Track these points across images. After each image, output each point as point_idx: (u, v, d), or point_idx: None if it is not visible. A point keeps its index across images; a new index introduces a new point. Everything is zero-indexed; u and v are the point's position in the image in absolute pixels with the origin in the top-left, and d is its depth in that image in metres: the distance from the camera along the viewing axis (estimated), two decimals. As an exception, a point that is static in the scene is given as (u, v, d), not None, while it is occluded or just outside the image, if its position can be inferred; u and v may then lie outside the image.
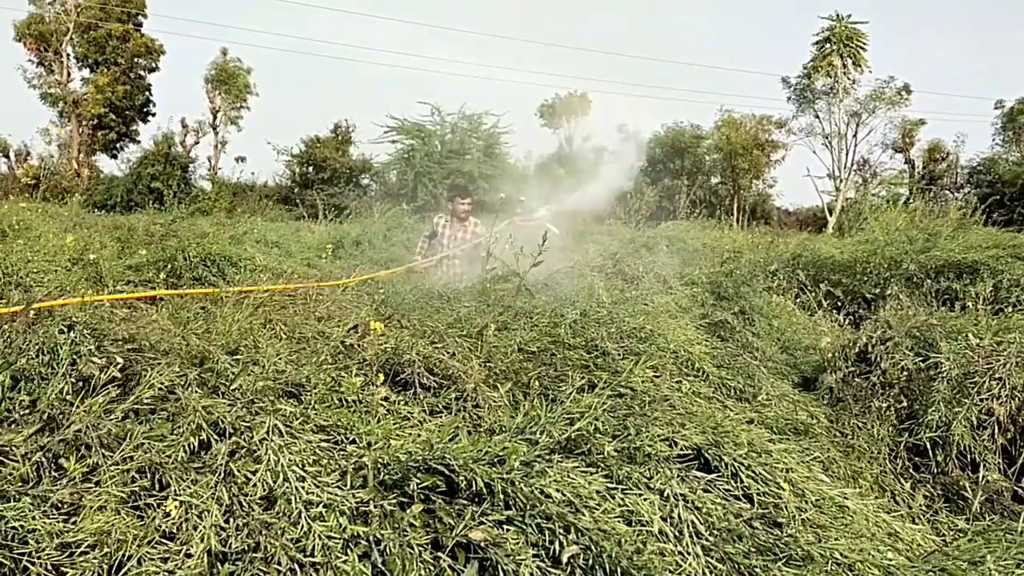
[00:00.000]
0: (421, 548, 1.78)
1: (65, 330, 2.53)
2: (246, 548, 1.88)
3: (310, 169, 28.99)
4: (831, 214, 28.19)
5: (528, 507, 1.81)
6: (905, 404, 3.51)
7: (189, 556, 1.88)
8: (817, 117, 30.48)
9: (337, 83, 60.87)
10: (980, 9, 65.65)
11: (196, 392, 2.36)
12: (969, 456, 3.25)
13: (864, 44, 28.94)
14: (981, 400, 3.29)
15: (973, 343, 3.68)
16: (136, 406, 2.37)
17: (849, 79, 29.05)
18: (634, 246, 8.89)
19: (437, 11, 69.60)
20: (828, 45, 28.98)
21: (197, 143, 30.24)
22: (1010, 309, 5.96)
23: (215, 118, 30.70)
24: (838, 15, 29.19)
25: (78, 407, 2.28)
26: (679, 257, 8.39)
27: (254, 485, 1.99)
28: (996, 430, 3.26)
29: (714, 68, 71.94)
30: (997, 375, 3.34)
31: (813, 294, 6.73)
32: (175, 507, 1.81)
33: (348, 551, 1.75)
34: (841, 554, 1.71)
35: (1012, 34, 65.95)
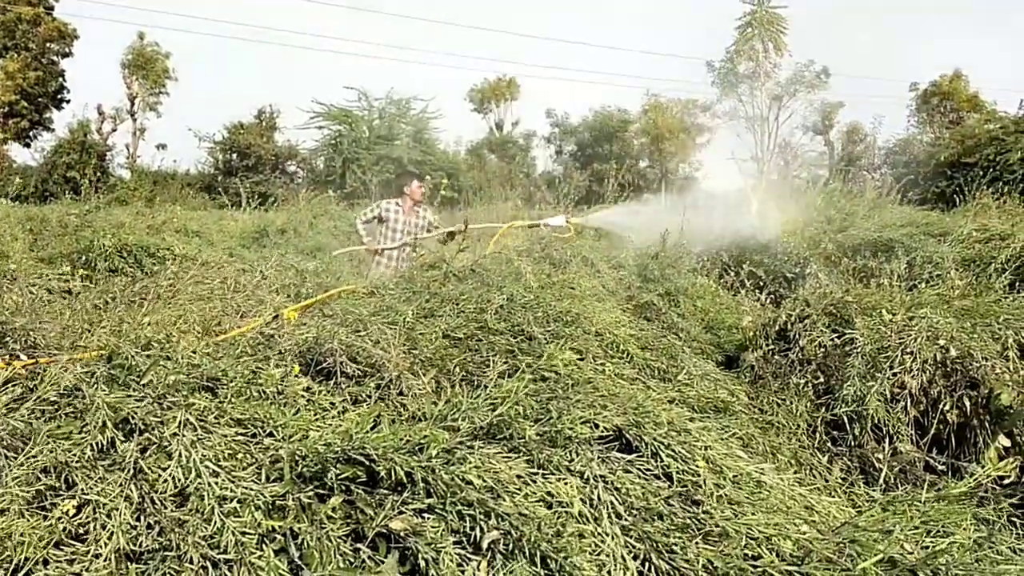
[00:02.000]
0: (340, 540, 1.75)
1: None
2: (157, 547, 1.82)
3: (234, 156, 28.31)
4: (754, 195, 28.79)
5: (449, 494, 1.80)
6: (822, 380, 3.61)
7: (98, 556, 1.82)
8: (741, 101, 31.11)
9: (260, 68, 59.52)
10: (894, -5, 67.78)
11: (104, 388, 2.28)
12: (884, 429, 3.36)
13: (784, 28, 29.62)
14: (894, 374, 3.39)
15: (886, 319, 3.80)
16: (42, 405, 2.28)
17: (770, 63, 29.70)
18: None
19: (358, -7, 68.49)
20: (750, 29, 29.55)
21: (114, 130, 29.22)
22: (923, 285, 6.19)
23: (133, 104, 29.69)
24: (759, 0, 29.78)
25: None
26: (607, 240, 8.47)
27: (165, 482, 1.92)
28: (908, 403, 3.37)
29: (641, 53, 72.66)
30: (909, 349, 3.46)
31: (736, 274, 6.87)
32: (73, 506, 1.74)
33: (264, 546, 1.71)
34: (756, 529, 1.75)
35: (925, 17, 68.29)
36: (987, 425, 3.34)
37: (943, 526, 2.01)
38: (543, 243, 6.20)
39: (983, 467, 3.20)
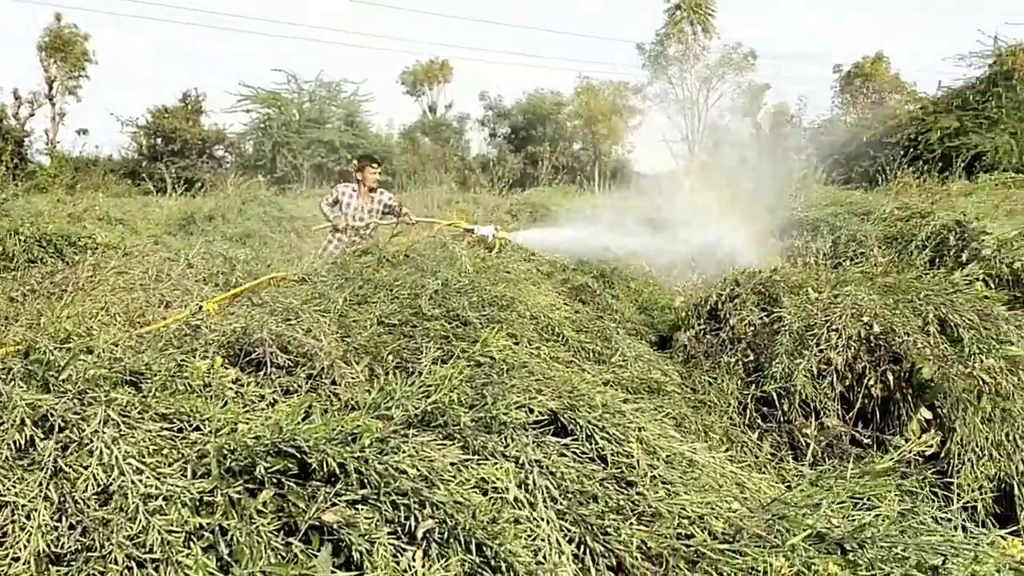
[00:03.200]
0: (271, 535, 1.71)
1: None
2: (80, 548, 1.76)
3: (158, 141, 27.49)
4: (686, 177, 29.21)
5: (382, 485, 1.78)
6: (752, 358, 3.69)
7: (16, 560, 1.75)
8: (671, 83, 31.45)
9: (185, 51, 57.79)
10: (818, -21, 69.32)
11: (21, 385, 2.18)
12: (811, 405, 3.45)
13: (712, 11, 29.99)
14: (820, 351, 3.48)
15: (812, 297, 3.89)
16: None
17: (699, 46, 30.08)
18: (498, 213, 8.89)
19: (289, -26, 67.03)
20: (679, 12, 29.85)
21: (32, 115, 28.01)
22: (848, 263, 6.37)
23: (51, 88, 28.50)
24: (688, -18, 30.09)
25: None
26: (542, 223, 8.49)
27: (86, 481, 1.85)
28: (835, 378, 3.47)
29: (573, 35, 72.83)
30: (834, 326, 3.55)
31: (669, 256, 6.95)
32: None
33: (191, 544, 1.66)
34: (689, 508, 1.77)
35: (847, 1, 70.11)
36: (910, 399, 3.45)
37: (869, 499, 2.07)
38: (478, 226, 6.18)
39: (906, 440, 3.32)
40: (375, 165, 7.03)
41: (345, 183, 7.17)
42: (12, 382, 2.20)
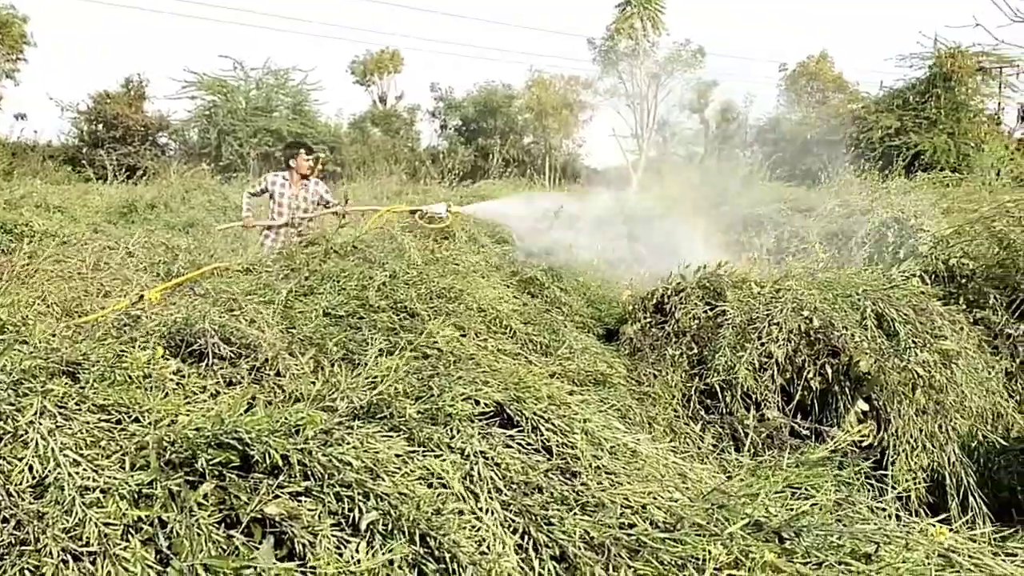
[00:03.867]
0: (212, 527, 1.69)
1: None
2: (13, 541, 1.71)
3: (100, 127, 26.75)
4: (635, 172, 29.52)
5: (326, 476, 1.77)
6: (696, 351, 3.75)
7: (-54, 556, 1.70)
8: (621, 78, 31.65)
9: (128, 35, 56.33)
10: (765, -21, 70.42)
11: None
12: (753, 397, 3.52)
13: (662, 8, 30.25)
14: (762, 344, 3.55)
15: (755, 291, 3.97)
16: None
17: (649, 42, 30.32)
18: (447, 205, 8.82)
19: (237, -41, 65.60)
20: (629, 8, 30.05)
21: (-33, 99, 27.05)
22: (790, 258, 6.51)
23: (-13, 71, 27.54)
24: (638, -23, 30.28)
25: None
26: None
27: (21, 472, 1.81)
28: (775, 371, 3.54)
29: (524, 28, 72.84)
30: (776, 320, 3.62)
31: (616, 250, 7.02)
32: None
33: (129, 537, 1.63)
34: (631, 498, 1.80)
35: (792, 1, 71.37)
36: (847, 391, 3.55)
37: (806, 489, 2.13)
38: (427, 218, 6.16)
39: (843, 431, 3.41)
40: (307, 153, 6.90)
41: (275, 172, 7.02)
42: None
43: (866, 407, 3.58)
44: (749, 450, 3.14)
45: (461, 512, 1.69)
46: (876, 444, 3.50)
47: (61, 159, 25.62)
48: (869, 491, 2.95)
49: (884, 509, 2.22)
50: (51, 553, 1.66)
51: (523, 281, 5.17)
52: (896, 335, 3.68)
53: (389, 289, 3.74)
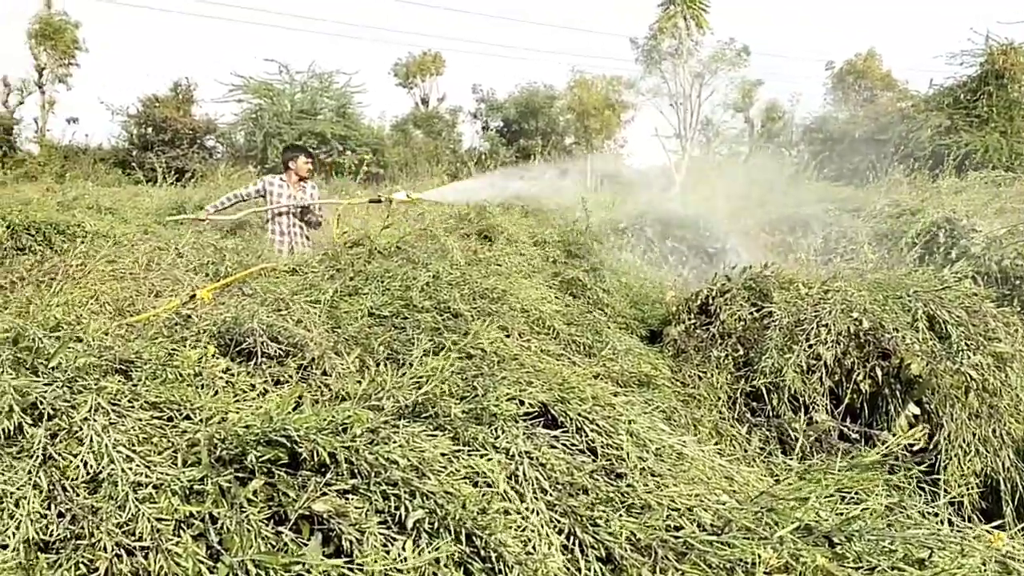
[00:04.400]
0: (261, 523, 1.71)
1: None
2: (69, 535, 1.75)
3: (149, 130, 27.29)
4: (678, 172, 29.29)
5: (373, 474, 1.78)
6: (741, 352, 3.70)
7: (5, 547, 1.74)
8: (664, 78, 31.38)
9: (176, 39, 57.43)
10: (811, -24, 69.50)
11: (10, 372, 2.17)
12: (800, 399, 3.46)
13: (706, 7, 29.92)
14: (810, 346, 3.50)
15: (803, 292, 3.91)
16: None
17: (692, 41, 30.01)
18: (490, 206, 8.84)
19: (282, -36, 66.64)
20: (672, 7, 29.77)
21: (22, 103, 27.78)
22: (838, 259, 6.41)
23: (41, 76, 28.26)
24: (681, -24, 30.00)
25: None
26: (534, 217, 8.47)
27: (76, 468, 1.85)
28: (824, 373, 3.49)
29: (566, 28, 72.71)
30: (824, 322, 3.56)
31: (660, 250, 6.98)
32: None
33: (181, 532, 1.66)
34: (678, 500, 1.78)
35: None
36: (898, 394, 3.48)
37: (856, 493, 2.09)
38: (469, 218, 6.18)
39: (894, 435, 3.34)
40: (306, 156, 7.09)
41: (272, 175, 7.19)
42: (1, 369, 2.19)
43: (917, 411, 3.51)
44: (797, 454, 3.09)
45: (507, 512, 1.69)
46: (928, 448, 3.43)
47: (112, 162, 26.19)
48: (921, 496, 2.90)
49: (937, 515, 2.17)
50: (105, 548, 1.70)
51: (565, 282, 5.16)
52: (948, 337, 3.61)
53: (432, 289, 3.76)
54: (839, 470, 1.99)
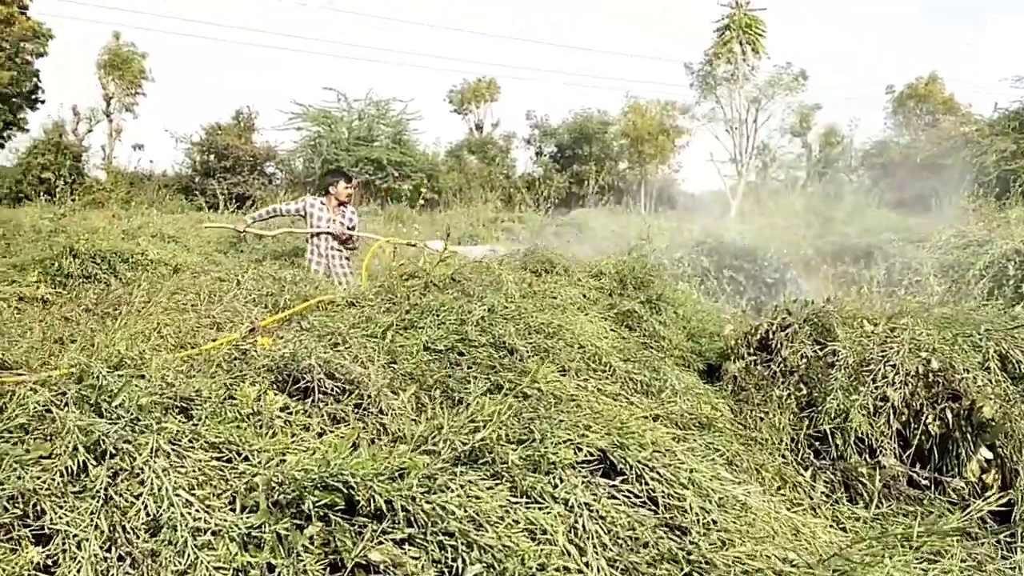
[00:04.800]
0: (317, 572, 1.70)
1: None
2: (129, 580, 1.76)
3: (211, 157, 28.04)
4: (733, 198, 28.98)
5: (429, 524, 1.75)
6: (804, 392, 3.59)
7: (67, 591, 1.76)
8: (719, 103, 31.18)
9: (238, 69, 59.05)
10: (870, -2, 68.59)
11: (75, 410, 2.21)
12: (866, 442, 3.34)
13: (762, 31, 29.69)
14: (876, 387, 3.38)
15: (868, 330, 3.79)
16: (9, 427, 2.21)
17: (748, 66, 29.77)
18: (543, 235, 8.87)
19: (341, -6, 68.31)
20: (728, 32, 29.61)
21: (90, 131, 28.87)
22: (902, 292, 6.22)
23: (108, 105, 29.31)
24: (737, 2, 29.85)
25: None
26: (588, 245, 8.45)
27: (138, 511, 1.86)
28: (891, 415, 3.36)
29: (620, 55, 72.85)
30: (891, 361, 3.45)
31: (717, 280, 6.87)
32: (37, 553, 1.68)
33: (238, 581, 1.65)
34: (744, 560, 1.72)
35: (900, 20, 69.07)
36: (969, 437, 3.34)
37: (929, 545, 1.99)
38: (523, 251, 6.16)
39: (965, 480, 3.20)
40: (346, 181, 7.17)
41: (314, 196, 7.29)
42: (66, 407, 2.23)
43: (990, 455, 3.36)
44: (865, 500, 2.98)
45: (567, 568, 1.65)
46: (1002, 495, 3.27)
47: (175, 188, 26.95)
48: (996, 546, 2.77)
49: (1014, 569, 2.06)
50: (164, 593, 1.70)
51: (621, 314, 5.10)
52: (1022, 378, 3.45)
53: (487, 324, 3.74)
54: (911, 526, 1.90)
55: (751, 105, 30.74)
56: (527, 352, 3.42)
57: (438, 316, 3.83)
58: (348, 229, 7.17)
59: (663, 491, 1.99)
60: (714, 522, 1.90)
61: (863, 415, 3.30)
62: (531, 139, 34.82)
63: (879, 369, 3.41)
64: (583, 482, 1.92)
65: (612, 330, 4.40)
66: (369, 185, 26.59)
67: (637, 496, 1.96)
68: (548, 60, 70.20)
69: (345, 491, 1.86)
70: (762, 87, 30.64)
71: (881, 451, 3.28)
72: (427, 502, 1.77)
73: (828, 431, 3.34)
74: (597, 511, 1.82)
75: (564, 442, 2.08)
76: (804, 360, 3.73)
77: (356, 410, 2.67)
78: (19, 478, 1.96)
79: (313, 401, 2.70)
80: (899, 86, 34.22)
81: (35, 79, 29.00)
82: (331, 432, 2.45)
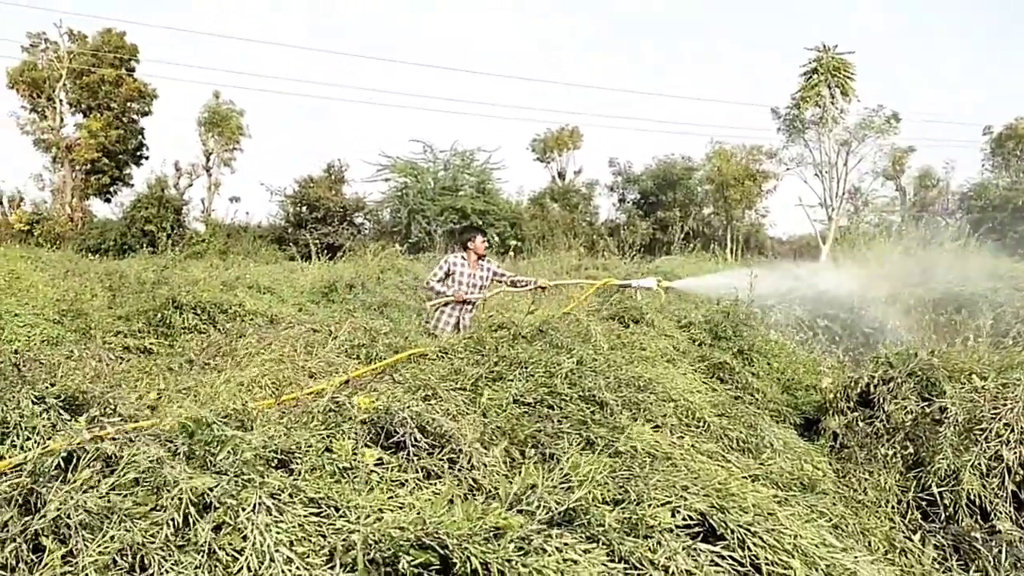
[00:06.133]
0: (414, 635, 1.69)
1: (38, 400, 2.44)
2: (231, 636, 1.79)
3: (303, 209, 28.99)
4: (824, 242, 28.24)
5: (526, 588, 1.73)
6: (911, 451, 3.43)
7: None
8: (807, 147, 30.61)
9: (329, 123, 61.26)
10: (968, 35, 66.69)
11: (183, 464, 2.27)
12: (978, 503, 3.16)
13: (851, 74, 29.12)
14: (989, 445, 3.20)
15: (978, 384, 3.60)
16: (121, 480, 2.28)
17: (837, 109, 29.19)
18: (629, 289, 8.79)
19: (418, 47, 70.46)
20: (816, 76, 29.15)
21: (191, 185, 30.28)
22: (1010, 342, 5.92)
23: (208, 160, 30.74)
24: (824, 46, 29.43)
25: (60, 485, 2.20)
26: (676, 293, 8.32)
27: (240, 568, 1.89)
28: (1006, 476, 3.18)
29: (702, 100, 72.59)
30: (1004, 419, 3.27)
31: (811, 331, 6.67)
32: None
33: (337, 641, 1.65)
34: (857, 634, 1.63)
35: (999, 60, 66.82)
36: (1091, 500, 3.12)
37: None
38: (611, 300, 6.12)
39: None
40: (481, 236, 7.20)
41: (453, 254, 7.28)
42: (176, 460, 2.29)
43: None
44: (978, 567, 2.80)
45: (670, 640, 1.59)
46: None
47: (269, 239, 27.93)
48: None
49: None
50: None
51: (712, 366, 5.00)
52: None
53: (576, 376, 3.70)
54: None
55: (841, 148, 30.07)
56: (618, 406, 3.38)
57: (527, 368, 3.82)
58: (491, 279, 7.19)
59: (767, 558, 1.92)
60: (823, 593, 1.82)
61: (975, 476, 3.12)
62: (614, 186, 34.83)
63: (992, 427, 3.24)
64: (683, 547, 1.86)
65: (704, 383, 4.31)
66: (454, 234, 26.99)
67: (740, 563, 1.90)
68: (631, 107, 70.41)
69: (440, 551, 1.86)
70: (852, 130, 29.96)
71: (996, 514, 3.09)
72: (523, 565, 1.75)
73: (938, 493, 3.17)
74: (699, 579, 1.76)
75: (662, 504, 2.03)
76: (910, 416, 3.58)
77: (449, 465, 2.67)
78: (127, 531, 2.03)
79: (407, 455, 2.71)
80: (998, 127, 32.99)
81: (140, 136, 30.71)
82: (425, 487, 2.45)
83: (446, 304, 6.97)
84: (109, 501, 2.13)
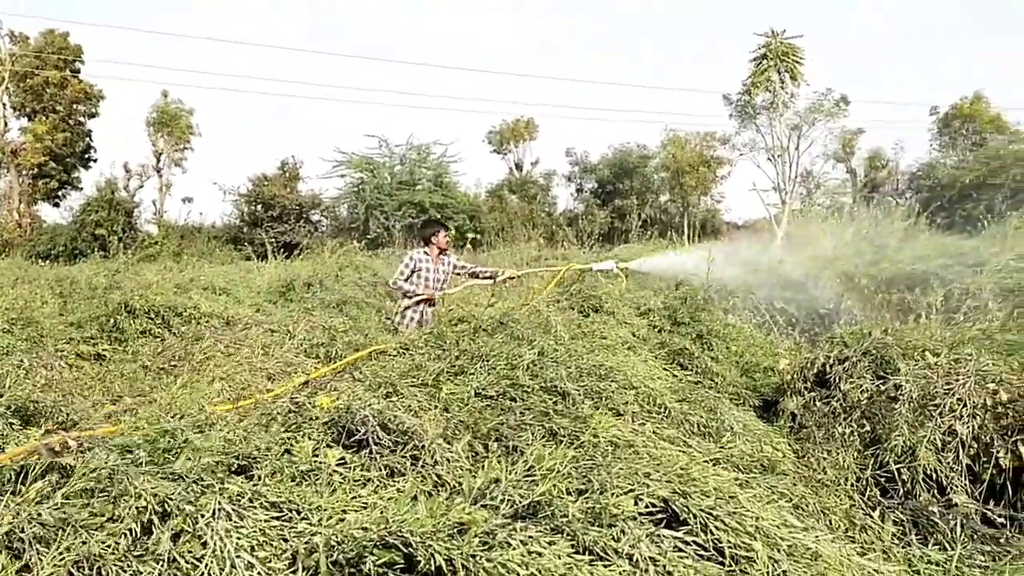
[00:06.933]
0: (380, 635, 1.67)
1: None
2: (193, 646, 1.76)
3: (258, 207, 28.61)
4: (778, 226, 28.65)
5: (491, 582, 1.72)
6: (868, 428, 3.49)
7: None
8: (759, 132, 30.98)
9: (281, 120, 60.52)
10: (910, 16, 68.01)
11: (140, 472, 2.23)
12: (935, 479, 3.23)
13: (800, 59, 29.50)
14: (943, 421, 3.28)
15: (931, 361, 3.68)
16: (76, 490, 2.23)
17: (787, 93, 29.57)
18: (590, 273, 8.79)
19: (371, 42, 69.90)
20: (765, 61, 29.48)
21: (141, 187, 29.74)
22: (961, 318, 6.06)
23: (158, 161, 30.18)
24: (773, 31, 29.77)
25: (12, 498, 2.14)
26: (634, 280, 8.37)
27: (201, 574, 1.86)
28: (960, 450, 3.25)
29: (656, 88, 73.08)
30: (957, 394, 3.34)
31: (768, 313, 6.76)
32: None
33: (301, 646, 1.63)
34: (819, 613, 1.65)
35: (941, 39, 68.28)
36: (1044, 471, 3.21)
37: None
38: (570, 290, 6.14)
39: (1043, 517, 3.07)
40: (444, 230, 7.16)
41: (415, 250, 7.22)
42: (136, 467, 2.24)
43: (1067, 488, 3.22)
44: (938, 541, 2.86)
45: (635, 628, 1.60)
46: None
47: (224, 239, 27.52)
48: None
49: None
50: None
51: (672, 352, 5.04)
52: (1098, 407, 3.32)
53: (538, 368, 3.70)
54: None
55: (792, 132, 30.48)
56: (580, 396, 3.38)
57: (488, 361, 3.81)
58: (452, 272, 7.13)
59: (730, 541, 1.93)
60: (784, 573, 1.84)
61: (931, 451, 3.19)
62: (571, 176, 34.92)
63: (946, 402, 3.31)
64: (647, 535, 1.87)
65: (664, 369, 4.34)
66: (413, 229, 26.85)
67: (703, 547, 1.91)
68: (584, 97, 70.62)
69: (404, 549, 1.84)
70: (802, 114, 30.39)
71: (952, 488, 3.16)
72: (488, 560, 1.75)
73: (895, 469, 3.23)
74: (664, 566, 1.77)
75: (625, 492, 2.04)
76: (866, 395, 3.64)
77: (412, 462, 2.65)
78: (83, 542, 1.98)
79: (369, 453, 2.69)
80: (943, 106, 33.71)
81: (87, 139, 30.04)
82: (389, 486, 2.43)
83: (407, 303, 6.92)
84: (64, 512, 2.08)
